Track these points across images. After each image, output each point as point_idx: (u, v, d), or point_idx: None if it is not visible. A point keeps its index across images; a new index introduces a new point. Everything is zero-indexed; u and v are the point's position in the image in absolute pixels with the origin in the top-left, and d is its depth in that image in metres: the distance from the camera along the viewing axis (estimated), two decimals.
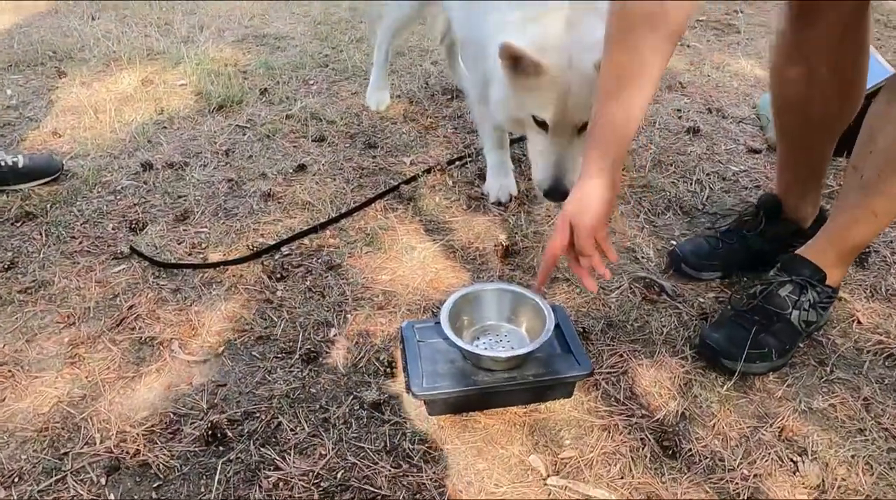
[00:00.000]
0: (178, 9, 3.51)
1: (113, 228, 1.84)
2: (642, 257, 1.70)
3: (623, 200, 1.94)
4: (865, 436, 1.24)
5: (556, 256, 1.25)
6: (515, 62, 1.42)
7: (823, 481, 1.16)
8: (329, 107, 2.51)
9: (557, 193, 1.52)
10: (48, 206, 1.91)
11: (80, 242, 1.77)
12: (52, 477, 1.17)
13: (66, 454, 1.21)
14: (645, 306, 1.55)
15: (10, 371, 1.39)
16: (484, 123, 1.93)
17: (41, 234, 1.80)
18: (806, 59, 1.41)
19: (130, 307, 1.55)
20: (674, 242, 1.75)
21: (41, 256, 1.72)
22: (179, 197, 1.98)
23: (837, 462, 1.19)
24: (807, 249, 1.44)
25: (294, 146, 2.26)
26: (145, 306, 1.56)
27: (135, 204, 1.94)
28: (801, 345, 1.42)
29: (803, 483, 1.16)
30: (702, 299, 1.57)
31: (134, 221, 1.84)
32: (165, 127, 2.39)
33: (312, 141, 2.28)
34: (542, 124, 1.51)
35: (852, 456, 1.20)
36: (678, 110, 2.46)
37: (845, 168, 1.47)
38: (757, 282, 1.48)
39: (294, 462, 1.20)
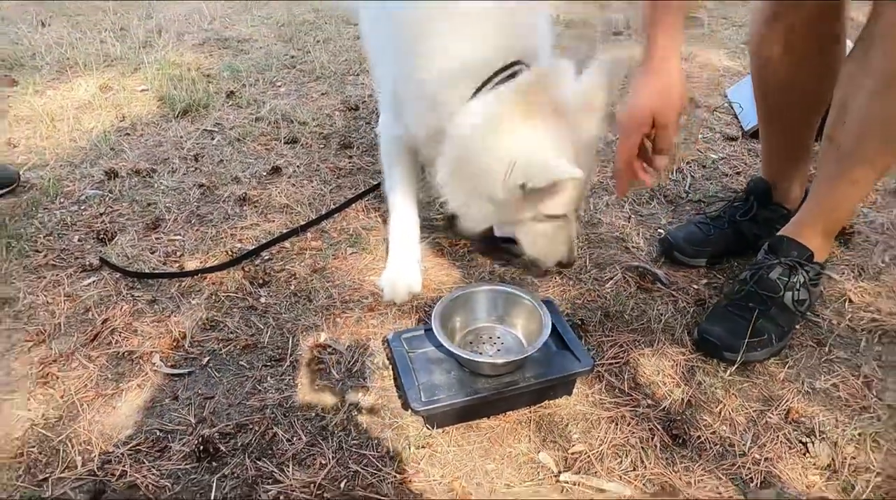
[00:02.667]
0: (134, 13, 3.39)
1: (79, 240, 1.74)
2: (633, 247, 1.68)
3: (607, 192, 1.92)
4: (870, 413, 1.24)
5: (632, 158, 1.26)
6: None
7: (834, 460, 1.15)
8: (300, 108, 2.44)
9: (571, 263, 1.48)
10: (6, 219, 1.80)
11: (45, 256, 1.67)
12: None
13: (44, 479, 1.13)
14: (640, 295, 1.53)
15: None
16: (396, 193, 1.61)
17: (1, 248, 1.69)
18: (790, 41, 1.42)
19: (105, 321, 1.47)
20: (661, 231, 1.74)
21: (2, 271, 1.61)
22: (149, 205, 1.89)
23: (845, 441, 1.18)
24: (791, 228, 1.44)
25: (266, 149, 2.19)
26: (121, 319, 1.47)
27: (101, 214, 1.85)
28: (798, 326, 1.42)
29: (814, 464, 1.15)
30: (696, 286, 1.56)
31: (101, 232, 1.75)
32: (128, 134, 2.28)
33: (285, 143, 2.21)
34: (555, 216, 1.38)
35: (859, 434, 1.19)
36: None
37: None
38: (746, 267, 1.47)
39: (293, 474, 1.13)
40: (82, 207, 1.88)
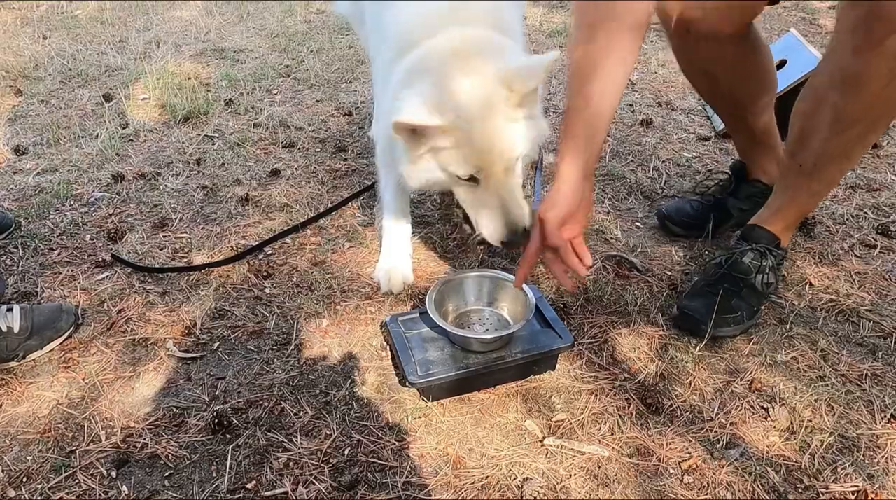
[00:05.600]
0: (132, 26, 3.50)
1: (91, 239, 1.84)
2: (611, 238, 1.81)
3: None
4: (825, 382, 1.36)
5: (533, 256, 1.29)
6: (415, 133, 1.25)
7: (792, 423, 1.27)
8: (296, 114, 2.55)
9: (516, 239, 1.33)
10: (21, 221, 1.90)
11: (59, 254, 1.77)
12: (61, 474, 1.18)
13: (72, 451, 1.23)
14: (618, 282, 1.65)
15: (2, 379, 1.39)
16: (389, 191, 1.67)
17: (17, 247, 1.79)
18: (703, 64, 1.61)
19: (119, 312, 1.57)
20: (639, 224, 1.87)
21: (20, 268, 1.71)
22: (155, 206, 1.99)
23: (803, 406, 1.31)
24: (760, 218, 1.57)
25: (265, 153, 2.30)
26: (134, 309, 1.58)
27: (110, 214, 1.95)
28: (763, 307, 1.55)
29: (775, 427, 1.27)
30: (669, 272, 1.68)
31: (112, 231, 1.85)
32: (132, 140, 2.39)
33: (283, 147, 2.32)
34: (470, 179, 1.31)
35: (815, 400, 1.32)
36: (630, 105, 2.60)
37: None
38: (720, 253, 1.60)
39: (301, 443, 1.24)
40: (92, 209, 1.98)
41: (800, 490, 1.16)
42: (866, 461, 1.20)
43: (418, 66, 1.30)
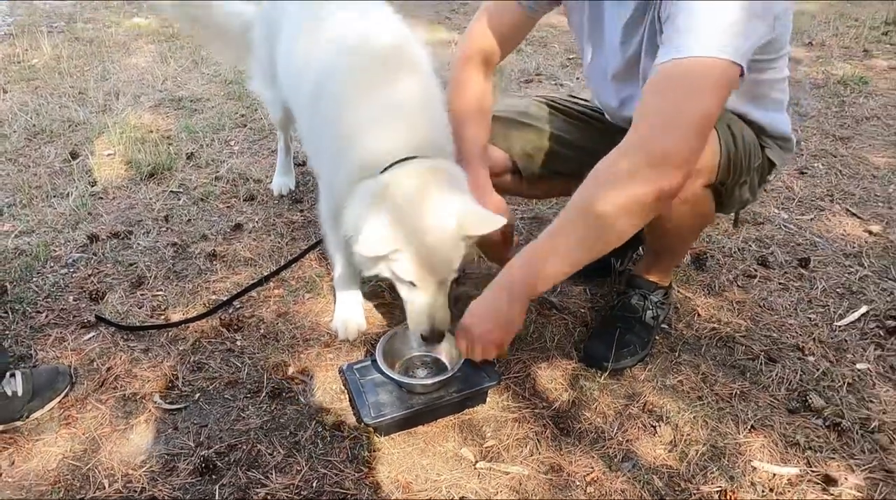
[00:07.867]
0: (90, 75, 3.66)
1: (74, 300, 2.05)
2: None
3: (517, 232, 2.34)
4: (703, 401, 1.68)
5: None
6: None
7: (675, 437, 1.59)
8: (253, 166, 2.79)
9: (434, 339, 1.62)
10: (7, 285, 2.09)
11: (47, 316, 1.98)
12: None
13: (82, 499, 1.46)
14: (540, 320, 1.95)
15: (10, 437, 1.60)
16: (337, 252, 1.92)
17: (7, 311, 1.98)
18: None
19: (108, 369, 1.79)
20: None
21: (13, 332, 1.91)
22: (130, 264, 2.21)
23: (684, 423, 1.62)
24: (640, 267, 1.90)
25: (227, 207, 2.53)
26: (121, 367, 1.80)
27: (89, 275, 2.16)
28: (657, 337, 1.86)
29: (661, 441, 1.58)
30: (582, 310, 1.99)
31: (93, 292, 2.06)
32: (102, 198, 2.59)
33: (244, 201, 2.56)
34: (410, 283, 1.57)
35: (694, 417, 1.64)
36: None
37: None
38: (614, 298, 1.92)
39: (277, 479, 1.50)
40: (71, 270, 2.18)
41: (677, 493, 1.47)
42: (729, 466, 1.52)
43: (384, 193, 1.51)
